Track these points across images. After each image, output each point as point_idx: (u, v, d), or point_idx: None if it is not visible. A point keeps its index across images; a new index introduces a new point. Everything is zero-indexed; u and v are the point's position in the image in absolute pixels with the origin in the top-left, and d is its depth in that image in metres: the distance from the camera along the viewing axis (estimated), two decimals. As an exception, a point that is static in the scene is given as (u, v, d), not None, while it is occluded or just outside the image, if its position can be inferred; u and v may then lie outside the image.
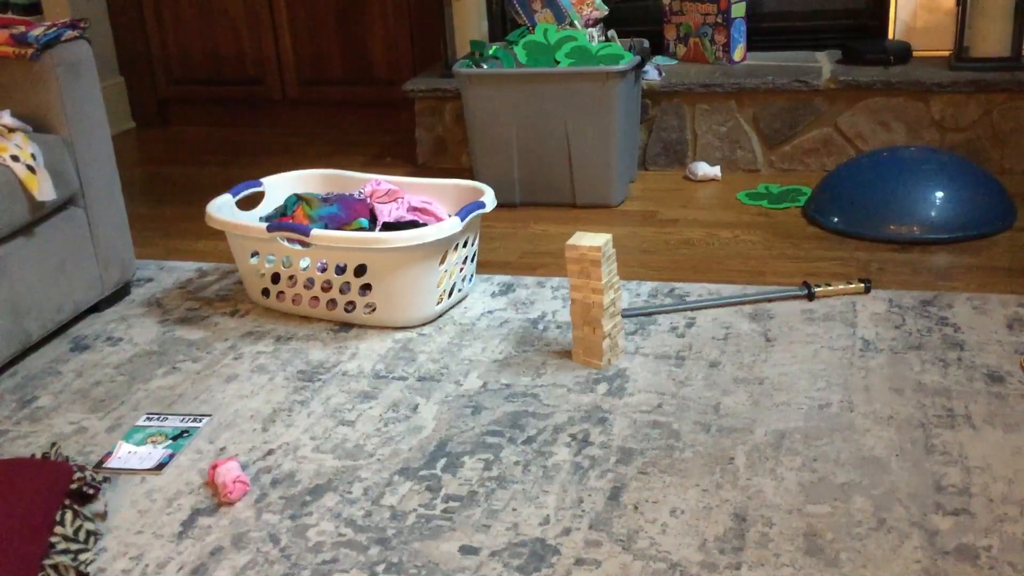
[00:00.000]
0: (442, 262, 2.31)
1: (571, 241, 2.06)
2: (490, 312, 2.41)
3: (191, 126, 4.44)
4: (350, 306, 2.35)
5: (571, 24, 3.20)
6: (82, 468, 1.74)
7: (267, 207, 2.62)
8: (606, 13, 3.29)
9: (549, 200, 3.13)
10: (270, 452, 1.89)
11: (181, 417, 2.02)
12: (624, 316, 2.16)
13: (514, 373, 2.11)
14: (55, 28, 2.32)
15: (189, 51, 4.33)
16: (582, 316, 2.10)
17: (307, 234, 2.28)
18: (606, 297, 2.06)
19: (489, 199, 2.42)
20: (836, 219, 2.77)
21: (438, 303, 2.35)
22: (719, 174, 3.28)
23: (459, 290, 2.43)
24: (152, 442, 1.93)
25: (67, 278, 2.35)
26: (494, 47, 3.20)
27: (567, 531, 1.61)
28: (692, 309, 2.34)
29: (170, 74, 4.39)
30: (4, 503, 1.60)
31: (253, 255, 2.44)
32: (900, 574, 1.47)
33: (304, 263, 2.38)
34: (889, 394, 1.94)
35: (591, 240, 2.05)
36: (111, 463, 1.87)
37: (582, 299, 2.08)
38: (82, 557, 1.58)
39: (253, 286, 2.49)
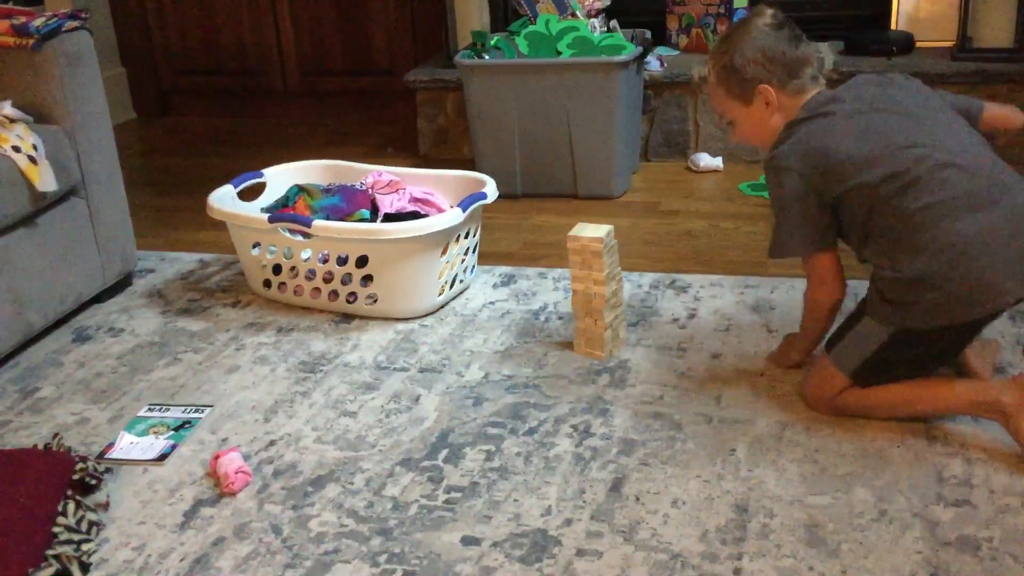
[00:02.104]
0: (443, 253, 2.30)
1: (573, 232, 2.06)
2: (491, 303, 2.40)
3: (192, 117, 4.43)
4: (352, 297, 2.34)
5: (573, 15, 3.19)
6: (84, 459, 1.75)
7: (268, 198, 2.62)
8: (608, 4, 3.28)
9: (551, 191, 3.13)
10: (272, 443, 1.89)
11: (183, 408, 2.02)
12: None
13: (516, 364, 2.11)
14: (56, 18, 2.32)
15: (190, 41, 4.33)
16: (584, 307, 2.09)
17: (309, 225, 2.28)
18: (608, 288, 2.06)
19: (491, 190, 2.41)
20: (838, 210, 2.76)
21: (439, 294, 2.35)
22: (721, 165, 3.27)
23: (460, 281, 2.43)
24: (154, 433, 1.93)
25: (69, 269, 2.35)
26: (496, 38, 3.19)
27: (568, 522, 1.61)
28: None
29: (171, 64, 4.39)
30: (7, 494, 1.60)
31: (255, 246, 2.44)
32: (901, 565, 1.47)
33: (306, 254, 2.38)
34: (891, 385, 1.93)
35: (593, 231, 2.04)
36: (113, 454, 1.87)
37: (584, 290, 2.08)
38: (85, 547, 1.58)
39: (255, 277, 2.49)
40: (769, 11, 1.86)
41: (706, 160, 3.27)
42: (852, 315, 1.82)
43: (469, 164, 3.18)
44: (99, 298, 2.52)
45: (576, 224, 2.09)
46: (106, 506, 1.72)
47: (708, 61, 1.89)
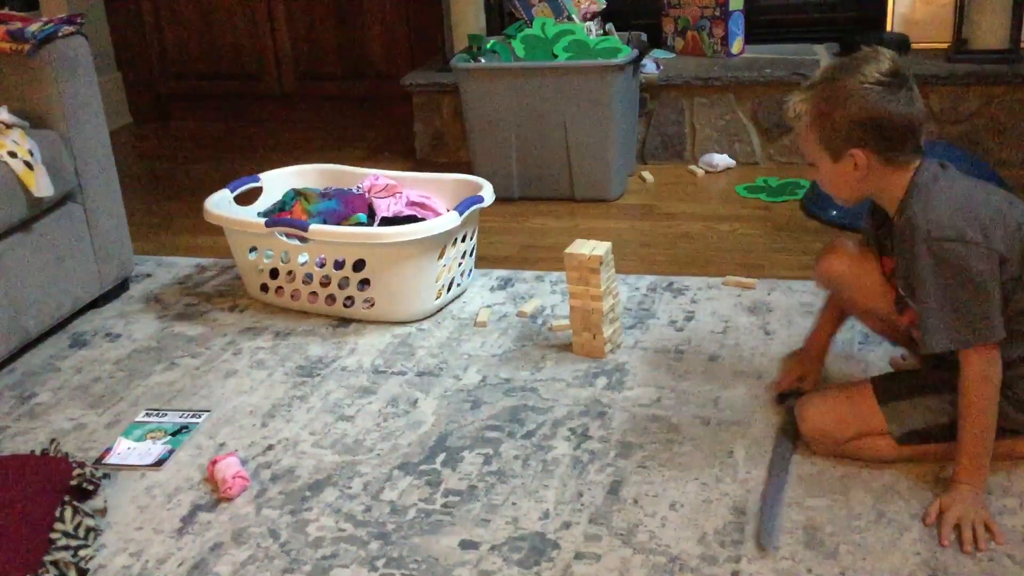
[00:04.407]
0: (441, 257, 2.30)
1: (569, 249, 2.07)
2: (489, 306, 2.40)
3: (189, 121, 4.43)
4: (349, 301, 2.34)
5: (569, 18, 3.19)
6: (82, 464, 1.74)
7: (265, 202, 2.62)
8: (604, 7, 3.29)
9: (548, 194, 3.13)
10: (269, 447, 1.88)
11: (180, 413, 2.02)
12: None
13: (513, 367, 2.11)
14: (52, 24, 2.32)
15: (187, 46, 4.32)
16: (582, 322, 2.10)
17: (305, 229, 2.27)
18: (605, 303, 2.07)
19: (487, 193, 2.41)
20: (835, 212, 2.76)
21: (437, 298, 2.35)
22: (733, 163, 3.28)
23: (458, 285, 2.43)
24: (151, 438, 1.93)
25: (65, 274, 2.35)
26: (492, 41, 3.19)
27: (567, 525, 1.61)
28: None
29: (168, 69, 4.38)
30: (4, 500, 1.60)
31: (252, 250, 2.44)
32: (899, 567, 1.47)
33: (303, 258, 2.37)
34: (888, 387, 1.93)
35: (590, 249, 2.05)
36: (110, 459, 1.87)
37: (581, 306, 2.09)
38: (82, 553, 1.58)
39: (252, 281, 2.49)
40: (887, 59, 1.56)
41: (721, 160, 3.25)
42: (922, 380, 1.69)
43: (466, 167, 3.18)
44: (96, 303, 2.51)
45: (573, 230, 2.09)
46: (104, 512, 1.72)
47: (805, 97, 1.61)
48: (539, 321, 2.31)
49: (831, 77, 1.59)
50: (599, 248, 2.06)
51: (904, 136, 1.56)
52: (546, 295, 2.44)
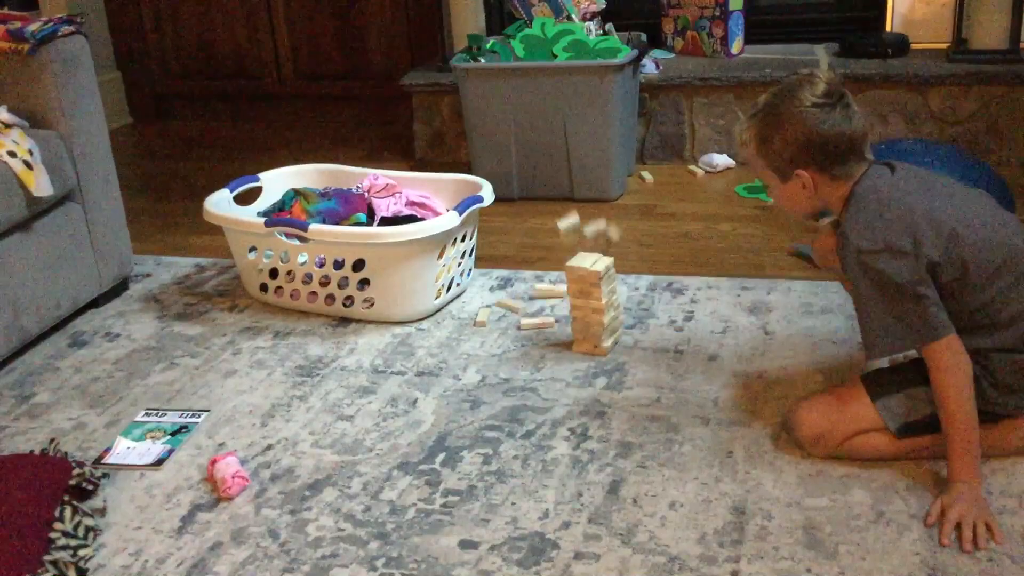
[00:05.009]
0: (440, 256, 2.30)
1: (571, 262, 2.08)
2: (488, 306, 2.40)
3: (188, 121, 4.43)
4: (348, 301, 2.34)
5: (568, 18, 3.19)
6: (81, 464, 1.74)
7: (265, 202, 2.62)
8: (603, 7, 3.29)
9: (547, 194, 3.13)
10: (269, 447, 1.88)
11: (180, 412, 2.02)
12: None
13: (513, 367, 2.11)
14: (52, 23, 2.32)
15: (186, 45, 4.32)
16: (583, 333, 2.11)
17: (305, 229, 2.27)
18: (606, 316, 2.07)
19: (487, 193, 2.41)
20: (834, 212, 2.76)
21: (436, 298, 2.35)
22: (733, 163, 3.28)
23: (457, 284, 2.43)
24: (151, 438, 1.93)
25: (65, 274, 2.35)
26: (491, 41, 3.19)
27: (566, 525, 1.61)
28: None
29: (167, 69, 4.39)
30: (3, 499, 1.60)
31: (251, 250, 2.43)
32: (899, 567, 1.47)
33: (302, 258, 2.37)
34: (888, 387, 1.93)
35: (591, 263, 2.06)
36: (110, 459, 1.87)
37: (582, 317, 2.09)
38: (81, 553, 1.58)
39: (251, 281, 2.49)
40: (822, 82, 1.64)
41: (722, 160, 3.26)
42: (913, 371, 1.67)
43: (465, 167, 3.18)
44: (95, 303, 2.51)
45: (576, 246, 2.10)
46: (103, 511, 1.72)
47: (749, 126, 1.71)
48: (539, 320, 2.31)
49: (770, 104, 1.68)
50: (600, 263, 2.07)
51: (845, 152, 1.64)
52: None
